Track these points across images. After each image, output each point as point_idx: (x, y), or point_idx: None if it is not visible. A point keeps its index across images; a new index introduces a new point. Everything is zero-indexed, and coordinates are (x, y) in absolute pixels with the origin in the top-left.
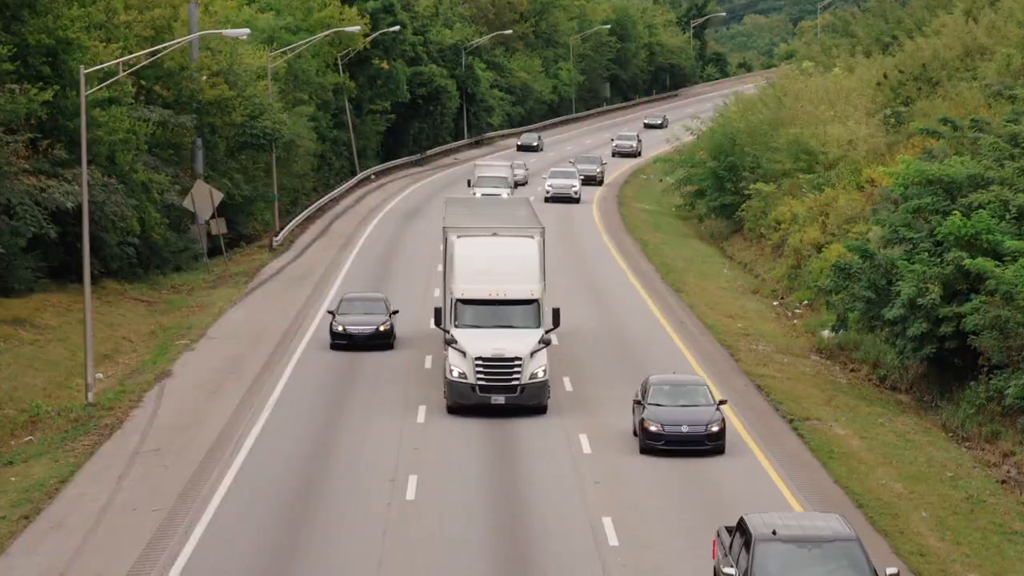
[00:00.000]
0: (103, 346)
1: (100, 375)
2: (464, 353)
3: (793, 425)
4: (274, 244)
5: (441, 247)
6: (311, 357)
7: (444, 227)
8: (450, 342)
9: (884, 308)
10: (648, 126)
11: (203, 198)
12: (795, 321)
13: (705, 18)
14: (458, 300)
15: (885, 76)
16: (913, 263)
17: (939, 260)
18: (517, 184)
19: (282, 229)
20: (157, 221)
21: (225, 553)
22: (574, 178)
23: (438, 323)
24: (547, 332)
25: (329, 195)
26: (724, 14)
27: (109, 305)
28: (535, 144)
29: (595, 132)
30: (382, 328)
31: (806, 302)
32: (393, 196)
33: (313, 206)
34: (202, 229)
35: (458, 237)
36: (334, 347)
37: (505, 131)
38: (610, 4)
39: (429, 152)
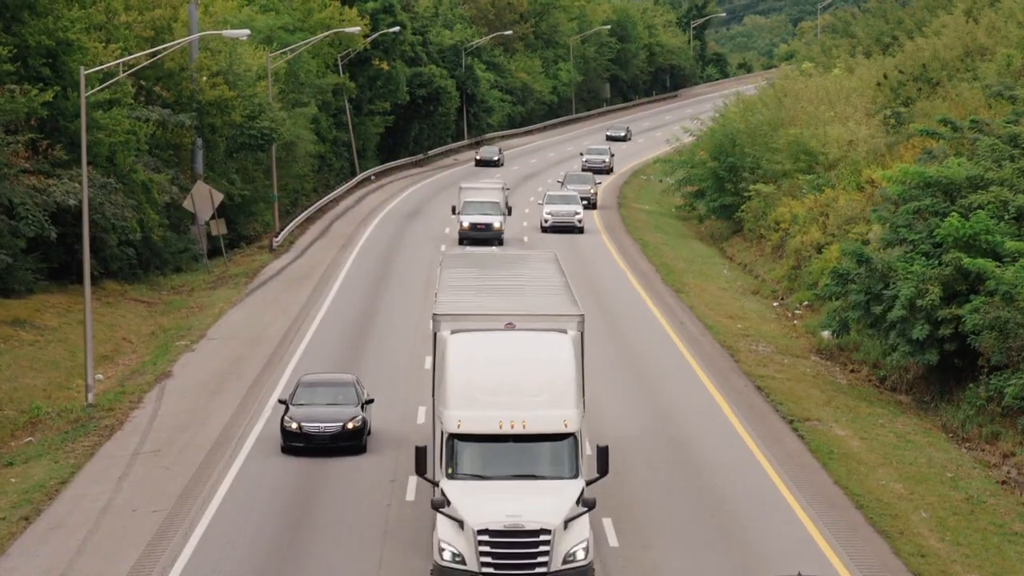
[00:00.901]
0: (103, 347)
1: (100, 376)
2: (461, 523)
3: (793, 426)
4: (274, 245)
5: (431, 330)
6: (311, 357)
7: (434, 315)
8: (439, 505)
9: (880, 308)
10: (610, 138)
11: (203, 199)
12: (795, 322)
13: (705, 19)
14: (452, 436)
15: (885, 76)
16: (912, 265)
17: (938, 261)
18: (509, 209)
19: (282, 230)
20: (157, 222)
21: (225, 554)
22: (576, 203)
23: (421, 471)
24: (589, 484)
25: (329, 196)
26: (724, 15)
27: (109, 306)
28: (495, 158)
29: (594, 133)
30: (351, 426)
31: (806, 303)
32: (393, 197)
33: (313, 207)
34: (202, 230)
35: (452, 333)
36: (287, 451)
37: (505, 131)
38: (610, 5)
39: (432, 152)
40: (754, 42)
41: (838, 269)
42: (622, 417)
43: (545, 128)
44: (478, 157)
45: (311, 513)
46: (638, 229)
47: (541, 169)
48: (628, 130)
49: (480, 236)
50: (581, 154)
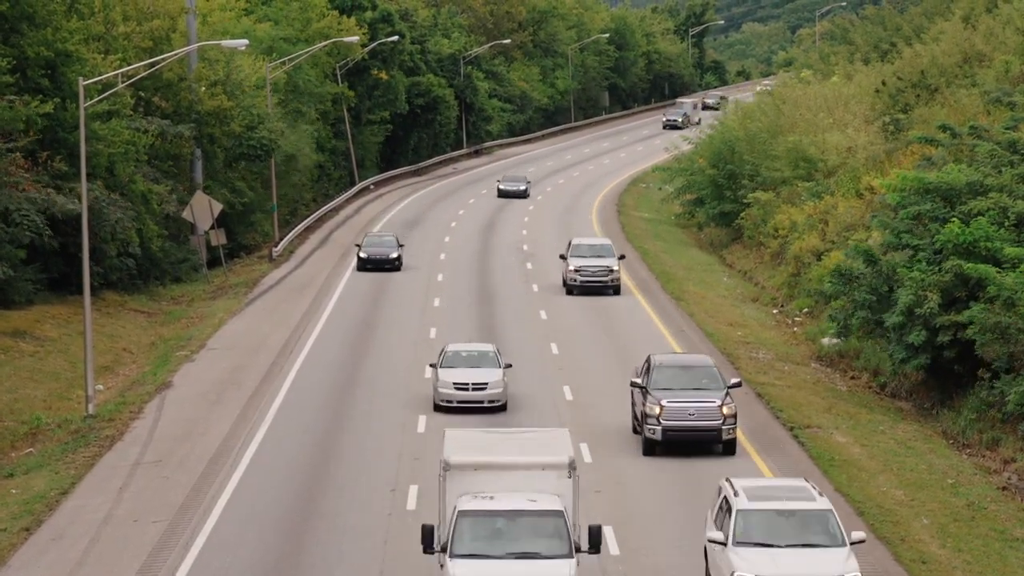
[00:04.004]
0: (103, 358)
1: (100, 387)
2: None
3: (794, 433)
4: (273, 255)
5: None
6: (311, 367)
7: None
8: None
9: (885, 314)
10: (503, 193)
11: (202, 209)
12: (795, 329)
13: (703, 26)
14: None
15: (884, 83)
16: (913, 270)
17: (938, 268)
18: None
19: (281, 240)
20: (156, 232)
21: (226, 564)
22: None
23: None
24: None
25: (328, 205)
26: (722, 22)
27: (109, 317)
28: (392, 256)
29: (593, 142)
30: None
31: (806, 310)
32: (392, 206)
33: (312, 216)
34: (201, 240)
35: None
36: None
37: (504, 140)
38: (608, 13)
39: (427, 162)
40: (752, 49)
41: (841, 268)
42: (623, 425)
43: (544, 136)
44: (362, 255)
45: (311, 523)
46: (637, 237)
47: (540, 178)
48: (527, 181)
49: None
50: (562, 256)
